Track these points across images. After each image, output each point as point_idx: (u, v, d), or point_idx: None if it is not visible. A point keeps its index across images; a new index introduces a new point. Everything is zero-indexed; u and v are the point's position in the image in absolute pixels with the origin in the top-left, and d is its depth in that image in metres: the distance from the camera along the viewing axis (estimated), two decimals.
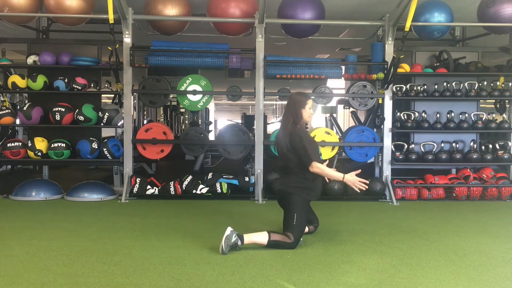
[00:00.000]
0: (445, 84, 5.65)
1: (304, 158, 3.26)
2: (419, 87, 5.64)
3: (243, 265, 2.88)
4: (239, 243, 3.12)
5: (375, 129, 5.68)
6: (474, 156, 5.50)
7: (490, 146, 5.61)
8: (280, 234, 3.25)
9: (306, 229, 3.54)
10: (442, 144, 5.57)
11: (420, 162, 5.55)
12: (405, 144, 5.60)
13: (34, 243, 3.36)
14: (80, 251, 3.16)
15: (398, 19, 5.14)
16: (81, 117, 5.44)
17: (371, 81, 5.56)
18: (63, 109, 5.43)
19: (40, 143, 5.36)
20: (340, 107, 9.30)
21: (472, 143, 5.64)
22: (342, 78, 5.68)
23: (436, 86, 5.66)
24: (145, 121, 8.91)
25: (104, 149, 5.41)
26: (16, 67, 6.10)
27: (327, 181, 3.70)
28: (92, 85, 5.64)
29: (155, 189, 5.23)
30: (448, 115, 5.64)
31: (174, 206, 4.85)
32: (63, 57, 5.52)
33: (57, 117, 5.40)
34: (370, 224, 4.12)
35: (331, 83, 10.55)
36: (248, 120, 11.12)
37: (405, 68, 5.58)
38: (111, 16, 4.87)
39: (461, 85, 5.63)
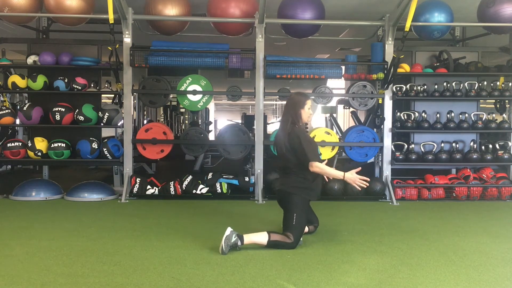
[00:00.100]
0: (445, 84, 5.65)
1: (302, 158, 3.26)
2: (419, 87, 5.64)
3: (243, 265, 2.88)
4: (239, 243, 3.12)
5: (375, 129, 5.68)
6: (474, 156, 5.50)
7: (490, 146, 5.61)
8: (280, 234, 3.25)
9: (306, 229, 3.54)
10: (442, 144, 5.57)
11: (420, 162, 5.55)
12: (405, 144, 5.60)
13: (34, 243, 3.36)
14: (80, 251, 3.16)
15: (398, 19, 5.14)
16: (81, 117, 5.44)
17: (371, 81, 5.56)
18: (63, 109, 5.43)
19: (40, 143, 5.36)
20: (340, 107, 9.30)
21: (472, 143, 5.64)
22: (342, 78, 5.68)
23: (436, 86, 5.66)
24: (145, 121, 8.91)
25: (104, 149, 5.41)
26: (16, 67, 6.10)
27: (327, 180, 3.70)
28: (92, 85, 5.64)
29: (155, 189, 5.23)
30: (448, 115, 5.64)
31: (174, 206, 4.85)
32: (63, 57, 5.53)
33: (57, 117, 5.40)
34: (370, 224, 4.12)
35: (331, 83, 10.55)
36: (248, 120, 11.12)
37: (405, 68, 5.58)
38: (111, 16, 4.87)
39: (461, 85, 5.63)
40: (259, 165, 5.38)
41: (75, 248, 3.24)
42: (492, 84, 5.74)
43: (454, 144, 5.61)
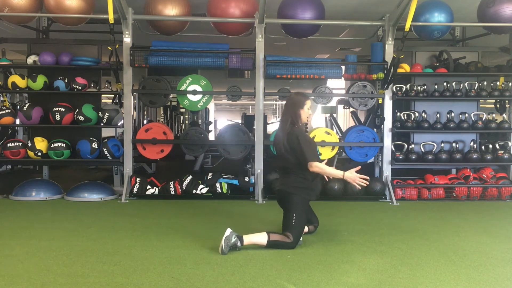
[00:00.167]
0: (445, 84, 5.65)
1: (301, 159, 3.27)
2: (419, 87, 5.64)
3: (243, 265, 2.88)
4: (239, 244, 3.12)
5: (375, 129, 5.68)
6: (474, 156, 5.50)
7: (490, 146, 5.61)
8: (280, 234, 3.25)
9: (306, 229, 3.54)
10: (442, 144, 5.57)
11: (420, 162, 5.55)
12: (405, 144, 5.60)
13: (34, 243, 3.36)
14: (80, 251, 3.16)
15: (398, 19, 5.14)
16: (81, 117, 5.44)
17: (371, 81, 5.56)
18: (63, 109, 5.43)
19: (40, 143, 5.36)
20: (340, 107, 9.29)
21: (472, 143, 5.64)
22: (342, 78, 5.68)
23: (436, 86, 5.66)
24: (145, 121, 8.91)
25: (104, 149, 5.41)
26: (16, 67, 6.10)
27: (327, 179, 3.70)
28: (92, 85, 5.64)
29: (155, 189, 5.23)
30: (448, 115, 5.64)
31: (174, 206, 4.85)
32: (63, 57, 5.53)
33: (57, 117, 5.40)
34: (370, 224, 4.12)
35: (331, 83, 10.55)
36: (248, 120, 11.12)
37: (405, 68, 5.58)
38: (111, 16, 4.87)
39: (461, 85, 5.63)
40: (259, 165, 5.38)
41: (75, 248, 3.24)
42: (492, 84, 5.74)
43: (454, 144, 5.61)
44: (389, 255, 3.16)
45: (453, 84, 5.63)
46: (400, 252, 3.22)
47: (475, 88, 5.60)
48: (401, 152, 5.53)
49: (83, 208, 4.73)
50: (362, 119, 6.71)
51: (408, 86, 5.65)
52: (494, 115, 5.77)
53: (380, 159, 5.63)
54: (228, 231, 3.13)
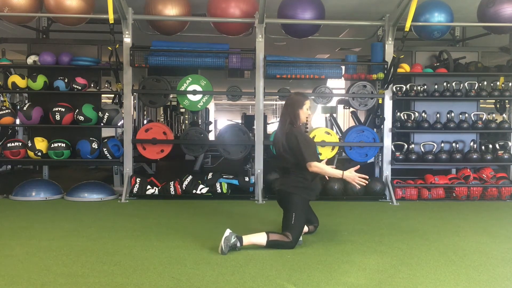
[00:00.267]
0: (445, 84, 5.65)
1: (300, 159, 3.27)
2: (419, 87, 5.64)
3: (243, 265, 2.88)
4: (238, 244, 3.12)
5: (375, 129, 5.68)
6: (474, 156, 5.50)
7: (490, 146, 5.61)
8: (279, 234, 3.25)
9: (306, 229, 3.54)
10: (442, 144, 5.57)
11: (420, 162, 5.55)
12: (405, 144, 5.60)
13: (34, 243, 3.36)
14: (80, 251, 3.16)
15: (398, 19, 5.14)
16: (81, 117, 5.44)
17: (371, 81, 5.56)
18: (63, 109, 5.43)
19: (40, 143, 5.36)
20: (340, 107, 9.30)
21: (472, 143, 5.64)
22: (342, 78, 5.68)
23: (436, 86, 5.66)
24: (145, 121, 8.91)
25: (104, 149, 5.41)
26: (16, 67, 6.10)
27: (327, 178, 3.70)
28: (92, 85, 5.64)
29: (155, 189, 5.23)
30: (448, 115, 5.64)
31: (174, 206, 4.85)
32: (63, 57, 5.53)
33: (57, 117, 5.40)
34: (370, 224, 4.12)
35: (331, 83, 10.55)
36: (248, 120, 11.12)
37: (405, 68, 5.58)
38: (111, 16, 4.87)
39: (461, 85, 5.63)
40: (259, 165, 5.38)
41: (75, 248, 3.24)
42: (492, 84, 5.74)
43: (454, 144, 5.61)
44: (389, 255, 3.16)
45: (453, 84, 5.63)
46: (400, 252, 3.22)
47: (475, 88, 5.60)
48: (401, 152, 5.53)
49: (83, 208, 4.73)
50: (362, 119, 6.71)
51: (408, 86, 5.65)
52: (494, 115, 5.77)
53: (380, 159, 5.63)
54: (228, 231, 3.13)
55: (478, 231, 3.88)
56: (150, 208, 4.76)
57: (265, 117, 8.88)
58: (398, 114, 5.61)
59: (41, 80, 5.47)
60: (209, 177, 5.37)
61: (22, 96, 7.99)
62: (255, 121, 5.51)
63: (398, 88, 5.56)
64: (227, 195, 5.28)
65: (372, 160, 5.74)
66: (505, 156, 5.51)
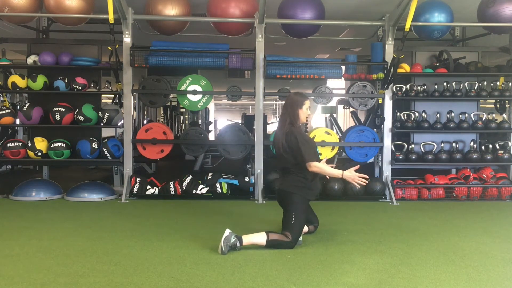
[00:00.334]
0: (445, 84, 5.65)
1: (300, 159, 3.27)
2: (419, 87, 5.64)
3: (243, 265, 2.88)
4: (238, 244, 3.12)
5: (375, 129, 5.68)
6: (474, 156, 5.51)
7: (490, 146, 5.61)
8: (279, 233, 3.25)
9: (306, 229, 3.54)
10: (442, 144, 5.57)
11: (420, 162, 5.55)
12: (405, 144, 5.60)
13: (34, 243, 3.36)
14: (80, 251, 3.16)
15: (398, 19, 5.14)
16: (81, 117, 5.44)
17: (371, 81, 5.56)
18: (63, 109, 5.43)
19: (40, 143, 5.36)
20: (340, 107, 9.30)
21: (472, 143, 5.64)
22: (342, 78, 5.68)
23: (436, 86, 5.66)
24: (145, 121, 8.91)
25: (104, 149, 5.41)
26: (16, 67, 6.10)
27: (328, 177, 3.71)
28: (92, 85, 5.64)
29: (155, 189, 5.23)
30: (448, 115, 5.64)
31: (174, 206, 4.85)
32: (63, 57, 5.53)
33: (57, 117, 5.40)
34: (370, 224, 4.12)
35: (331, 83, 10.55)
36: (248, 120, 11.12)
37: (405, 68, 5.58)
38: (111, 16, 4.88)
39: (461, 85, 5.63)
40: (259, 165, 5.38)
41: (75, 248, 3.24)
42: (492, 84, 5.74)
43: (454, 144, 5.61)
44: (389, 255, 3.16)
45: (453, 84, 5.63)
46: (400, 252, 3.22)
47: (475, 88, 5.60)
48: (401, 152, 5.53)
49: (83, 208, 4.73)
50: (362, 119, 6.71)
51: (408, 86, 5.65)
52: (494, 115, 5.77)
53: (380, 159, 5.63)
54: (227, 231, 3.13)
55: (478, 231, 3.88)
56: (150, 208, 4.76)
57: (265, 117, 8.88)
58: (398, 114, 5.61)
59: (41, 80, 5.47)
60: (209, 177, 5.37)
61: (22, 96, 7.98)
62: (255, 121, 5.51)
63: (398, 88, 5.56)
64: (227, 195, 5.28)
65: (372, 160, 5.74)
66: (505, 156, 5.51)
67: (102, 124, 5.56)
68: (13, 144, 5.39)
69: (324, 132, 5.57)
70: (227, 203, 5.05)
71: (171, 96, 6.39)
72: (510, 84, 5.69)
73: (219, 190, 5.25)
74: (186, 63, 5.37)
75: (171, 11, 5.28)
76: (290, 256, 3.08)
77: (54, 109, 5.42)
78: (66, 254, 3.09)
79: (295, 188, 3.31)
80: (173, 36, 5.68)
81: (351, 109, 6.45)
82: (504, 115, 5.89)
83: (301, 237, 3.34)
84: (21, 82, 5.49)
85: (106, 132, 7.10)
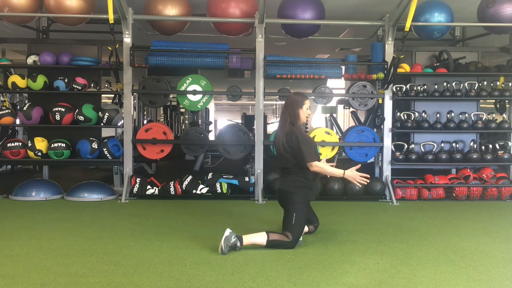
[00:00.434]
0: (445, 84, 5.65)
1: (300, 159, 3.27)
2: (419, 87, 5.64)
3: (243, 265, 2.88)
4: (238, 244, 3.12)
5: (375, 129, 5.68)
6: (474, 156, 5.51)
7: (490, 146, 5.61)
8: (279, 233, 3.25)
9: (306, 229, 3.54)
10: (442, 144, 5.57)
11: (420, 162, 5.55)
12: (405, 144, 5.60)
13: (34, 243, 3.36)
14: (80, 251, 3.16)
15: (398, 19, 5.14)
16: (81, 117, 5.44)
17: (371, 81, 5.57)
18: (63, 109, 5.43)
19: (40, 143, 5.36)
20: (340, 107, 9.30)
21: (472, 143, 5.64)
22: (342, 78, 5.68)
23: (436, 86, 5.66)
24: (145, 121, 8.91)
25: (104, 149, 5.41)
26: (16, 67, 6.10)
27: (328, 177, 3.71)
28: (92, 85, 5.64)
29: (155, 189, 5.23)
30: (448, 115, 5.64)
31: (174, 206, 4.85)
32: (63, 57, 5.53)
33: (57, 117, 5.40)
34: (370, 224, 4.12)
35: (331, 83, 10.55)
36: (248, 120, 11.12)
37: (405, 68, 5.58)
38: (111, 16, 4.88)
39: (461, 85, 5.63)
40: (259, 165, 5.38)
41: (75, 248, 3.24)
42: (492, 84, 5.75)
43: (454, 144, 5.61)
44: (389, 255, 3.16)
45: (453, 84, 5.63)
46: (400, 252, 3.22)
47: (475, 88, 5.60)
48: (401, 152, 5.53)
49: (83, 208, 4.73)
50: (362, 119, 6.71)
51: (408, 86, 5.65)
52: (494, 115, 5.77)
53: (380, 159, 5.63)
54: (228, 231, 3.13)
55: (478, 231, 3.87)
56: (150, 208, 4.76)
57: (265, 117, 8.88)
58: (398, 114, 5.61)
59: (41, 80, 5.47)
60: (209, 177, 5.37)
61: (22, 96, 7.98)
62: (255, 121, 5.51)
63: (398, 88, 5.56)
64: (227, 195, 5.28)
65: (372, 160, 5.74)
66: (505, 156, 5.51)
67: (102, 124, 5.56)
68: (13, 144, 5.39)
69: (324, 132, 5.57)
70: (227, 203, 5.05)
71: (171, 96, 6.39)
72: (510, 84, 5.69)
73: (219, 190, 5.25)
74: (186, 63, 5.37)
75: (171, 11, 5.28)
76: (290, 256, 3.08)
77: (54, 109, 5.42)
78: (66, 254, 3.09)
79: (295, 188, 3.31)
80: (173, 36, 5.68)
81: (351, 109, 6.45)
82: (504, 115, 5.89)
83: (301, 237, 3.34)
84: (21, 82, 5.49)
85: (106, 132, 7.10)
